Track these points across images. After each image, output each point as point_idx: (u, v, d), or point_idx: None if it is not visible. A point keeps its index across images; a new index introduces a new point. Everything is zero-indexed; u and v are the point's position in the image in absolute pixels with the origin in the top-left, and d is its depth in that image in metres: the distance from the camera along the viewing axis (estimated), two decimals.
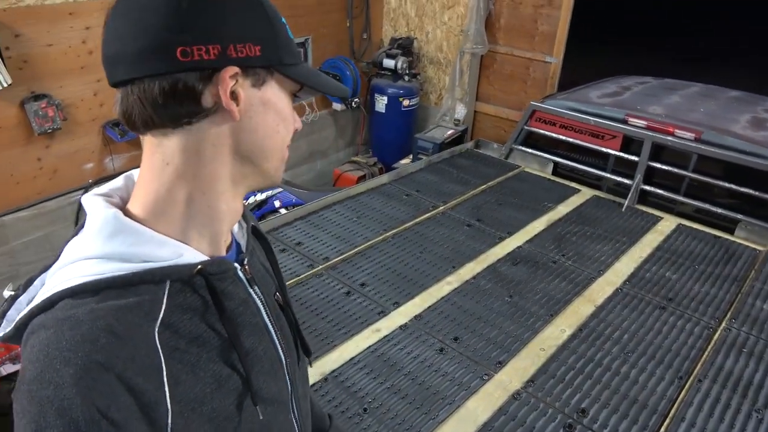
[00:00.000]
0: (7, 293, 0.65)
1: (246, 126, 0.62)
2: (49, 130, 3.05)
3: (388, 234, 2.47)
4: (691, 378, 1.76)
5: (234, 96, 0.60)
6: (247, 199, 3.67)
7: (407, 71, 4.74)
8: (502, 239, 2.50)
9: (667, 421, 1.60)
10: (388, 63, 4.69)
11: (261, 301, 0.71)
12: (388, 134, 4.92)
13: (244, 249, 0.73)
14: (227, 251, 0.69)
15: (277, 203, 3.64)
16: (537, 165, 3.19)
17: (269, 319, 0.72)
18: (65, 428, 0.48)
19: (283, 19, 0.66)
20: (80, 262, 0.59)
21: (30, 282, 0.62)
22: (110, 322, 0.54)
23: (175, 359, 0.57)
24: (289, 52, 0.64)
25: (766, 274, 2.32)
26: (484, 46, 4.53)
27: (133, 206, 0.63)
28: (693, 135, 2.66)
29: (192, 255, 0.63)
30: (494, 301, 2.09)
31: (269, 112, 0.64)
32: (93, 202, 0.63)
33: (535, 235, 2.54)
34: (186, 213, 0.63)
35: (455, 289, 2.15)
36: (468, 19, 4.52)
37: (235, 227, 0.74)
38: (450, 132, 4.52)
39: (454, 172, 3.12)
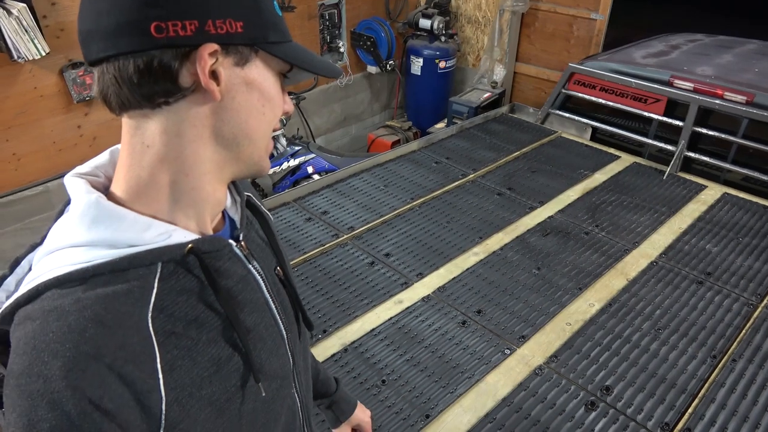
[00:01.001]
0: None
1: (228, 106, 0.59)
2: (88, 98, 3.12)
3: (415, 203, 2.44)
4: (726, 357, 1.69)
5: (214, 75, 0.57)
6: (280, 164, 3.68)
7: (444, 31, 4.58)
8: (533, 209, 2.42)
9: (696, 401, 1.54)
10: (424, 23, 4.54)
11: (261, 277, 0.69)
12: (424, 98, 4.81)
13: (238, 224, 0.70)
14: (220, 229, 0.68)
15: (310, 169, 3.64)
16: (575, 130, 3.06)
17: (270, 295, 0.70)
18: (58, 421, 0.48)
19: None
20: (66, 250, 0.58)
21: (17, 262, 0.62)
22: (97, 311, 0.53)
23: (170, 344, 0.56)
24: (276, 29, 0.61)
25: None
26: (525, 3, 4.32)
27: (116, 189, 0.62)
28: (744, 98, 2.47)
29: (181, 235, 0.61)
30: (521, 273, 2.04)
31: (253, 93, 0.60)
32: (75, 184, 0.61)
33: (568, 205, 2.46)
34: (171, 195, 0.61)
35: (481, 260, 2.11)
36: None
37: (228, 201, 0.71)
38: (487, 95, 4.38)
39: (486, 138, 3.03)
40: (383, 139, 4.62)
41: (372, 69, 4.76)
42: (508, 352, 1.71)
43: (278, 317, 0.71)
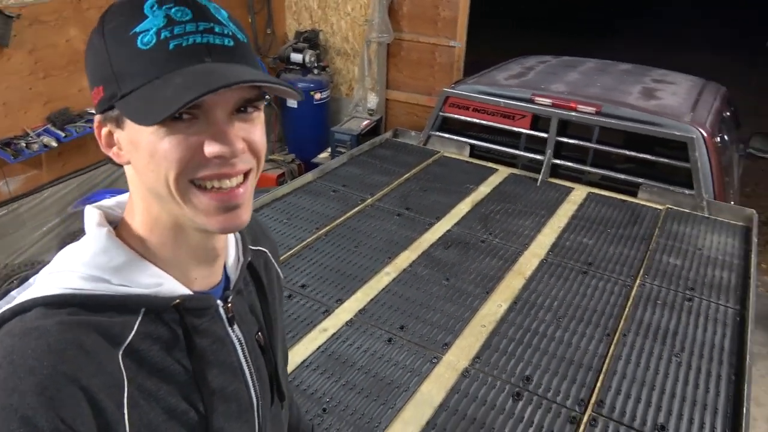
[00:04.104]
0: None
1: (134, 167, 0.60)
2: None
3: (321, 232, 2.48)
4: (617, 334, 1.93)
5: (113, 140, 0.61)
6: None
7: (315, 64, 4.72)
8: (431, 225, 2.58)
9: (602, 376, 1.75)
10: (296, 57, 4.65)
11: (239, 341, 0.70)
12: (303, 129, 4.89)
13: (232, 285, 0.71)
14: (214, 286, 0.69)
15: None
16: (455, 149, 3.31)
17: (245, 360, 0.71)
18: None
19: (141, 27, 0.54)
20: (65, 273, 0.59)
21: (25, 280, 0.63)
22: (78, 335, 0.54)
23: (135, 383, 0.57)
24: (127, 77, 0.55)
25: (668, 230, 2.56)
26: (389, 34, 4.60)
27: (129, 223, 0.64)
28: (594, 109, 2.86)
29: (172, 287, 0.63)
30: (432, 286, 2.17)
31: (139, 152, 0.57)
32: (91, 215, 0.64)
33: (462, 218, 2.65)
34: (167, 239, 0.63)
35: (394, 279, 2.21)
36: (371, 9, 4.57)
37: (231, 259, 0.72)
38: (366, 122, 4.57)
39: (376, 164, 3.17)
40: (268, 174, 4.61)
41: None
42: (435, 360, 1.81)
43: (251, 383, 0.72)
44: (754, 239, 2.46)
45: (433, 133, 3.34)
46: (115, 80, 0.55)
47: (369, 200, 2.77)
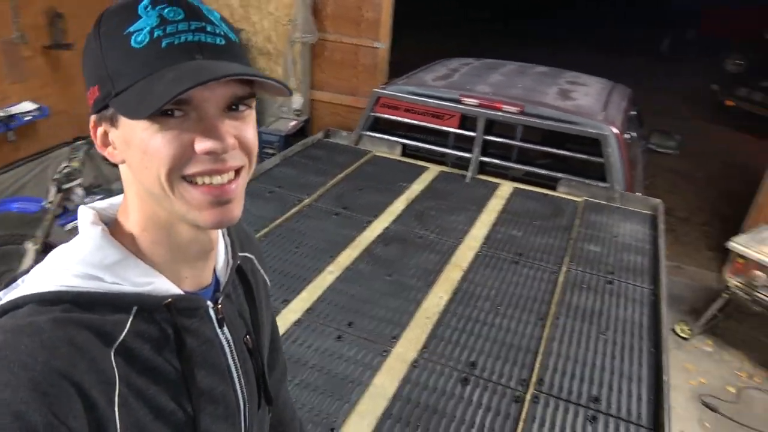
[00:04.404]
0: None
1: (129, 166, 0.61)
2: None
3: (260, 234, 2.47)
4: (550, 317, 2.08)
5: (108, 140, 0.62)
6: (73, 220, 3.33)
7: None
8: (369, 223, 2.64)
9: (539, 357, 1.88)
10: None
11: (228, 343, 0.71)
12: None
13: (222, 287, 0.72)
14: (205, 288, 0.70)
15: None
16: (386, 148, 3.39)
17: (234, 362, 0.72)
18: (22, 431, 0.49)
19: (134, 27, 0.55)
20: (58, 270, 0.60)
21: (14, 280, 0.63)
22: (71, 333, 0.55)
23: (125, 382, 0.58)
24: (121, 75, 0.56)
25: (587, 220, 2.77)
26: (313, 34, 4.60)
27: (123, 222, 0.65)
28: (517, 109, 3.04)
29: (164, 286, 0.64)
30: (376, 282, 2.22)
31: (132, 150, 0.58)
32: (85, 214, 0.64)
33: (398, 215, 2.73)
34: (160, 237, 0.64)
35: (338, 277, 2.24)
36: (294, 8, 4.55)
37: (221, 262, 0.73)
38: (293, 123, 4.55)
39: (310, 164, 3.18)
40: None
41: None
42: (385, 353, 1.87)
43: (238, 386, 0.73)
44: (661, 226, 2.72)
45: (364, 133, 3.39)
46: (109, 79, 0.56)
47: (306, 200, 2.78)
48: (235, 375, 0.72)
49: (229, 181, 0.60)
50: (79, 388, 0.53)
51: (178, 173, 0.57)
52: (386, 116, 3.33)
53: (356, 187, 2.96)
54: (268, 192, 2.83)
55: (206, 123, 0.57)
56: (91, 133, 0.61)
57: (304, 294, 2.13)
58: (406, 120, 3.27)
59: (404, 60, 5.06)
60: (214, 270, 0.72)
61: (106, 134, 0.61)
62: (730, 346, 3.65)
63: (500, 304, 2.13)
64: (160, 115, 0.55)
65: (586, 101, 3.21)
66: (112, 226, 0.65)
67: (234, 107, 0.59)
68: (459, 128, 3.18)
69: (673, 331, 3.71)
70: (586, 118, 2.96)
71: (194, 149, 0.57)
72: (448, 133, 3.25)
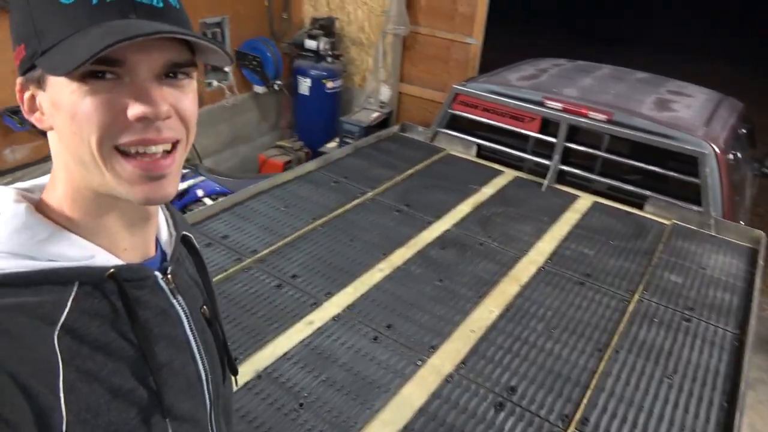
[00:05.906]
0: None
1: (58, 132, 0.57)
2: None
3: (317, 223, 2.45)
4: (609, 349, 1.87)
5: (35, 104, 0.58)
6: None
7: (330, 52, 4.67)
8: (430, 223, 2.53)
9: (589, 392, 1.70)
10: (310, 44, 4.59)
11: (184, 313, 0.68)
12: (313, 117, 4.84)
13: (169, 258, 0.69)
14: (150, 259, 0.66)
15: (200, 192, 3.50)
16: (461, 147, 3.25)
17: (191, 333, 0.69)
18: None
19: None
20: None
21: None
22: (3, 320, 0.51)
23: (73, 365, 0.54)
24: (48, 33, 0.53)
25: (672, 246, 2.50)
26: (405, 27, 4.53)
27: (50, 198, 0.61)
28: (605, 116, 2.79)
29: (104, 258, 0.60)
30: (425, 286, 2.12)
31: (60, 114, 0.55)
32: (5, 193, 0.60)
33: (462, 218, 2.60)
34: (92, 208, 0.60)
35: (387, 275, 2.16)
36: (389, 0, 4.50)
37: (164, 235, 0.70)
38: (376, 114, 4.52)
39: (381, 157, 3.12)
40: (274, 160, 4.58)
41: (259, 89, 4.71)
42: (419, 363, 1.77)
43: (198, 357, 0.70)
44: (760, 262, 2.39)
45: (440, 130, 3.28)
46: (36, 37, 0.53)
47: (369, 194, 2.72)
48: (194, 345, 0.69)
49: (165, 154, 0.57)
50: (15, 379, 0.49)
51: (109, 143, 0.54)
52: (464, 114, 3.19)
53: (424, 185, 2.86)
54: (333, 182, 2.81)
55: (139, 87, 0.53)
56: (17, 97, 0.58)
57: (348, 289, 2.08)
58: (483, 120, 3.12)
59: (501, 59, 4.86)
60: (159, 243, 0.70)
61: (33, 98, 0.58)
62: None
63: (555, 327, 1.96)
64: (90, 76, 0.52)
65: (686, 114, 2.88)
66: (37, 205, 0.61)
67: (172, 74, 0.56)
68: (540, 133, 2.98)
69: None
70: (684, 132, 2.66)
71: (127, 116, 0.53)
72: (527, 137, 3.06)
